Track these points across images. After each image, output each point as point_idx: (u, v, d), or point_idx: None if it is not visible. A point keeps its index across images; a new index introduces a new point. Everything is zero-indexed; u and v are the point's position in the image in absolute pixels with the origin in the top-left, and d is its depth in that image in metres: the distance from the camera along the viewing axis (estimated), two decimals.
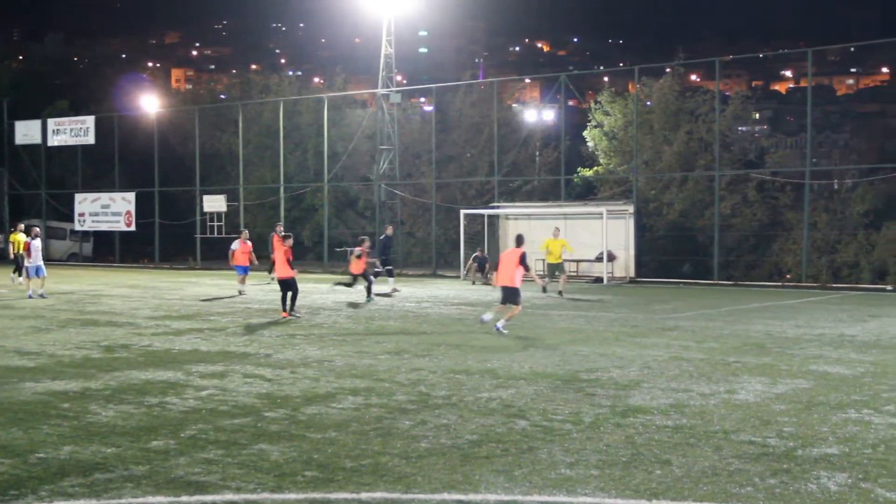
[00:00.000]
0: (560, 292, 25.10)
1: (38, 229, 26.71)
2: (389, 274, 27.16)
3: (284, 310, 19.88)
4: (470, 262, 31.64)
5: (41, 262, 25.04)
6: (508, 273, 16.89)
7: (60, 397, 10.88)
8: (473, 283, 30.57)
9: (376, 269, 26.99)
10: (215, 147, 46.99)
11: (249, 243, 27.56)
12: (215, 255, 43.78)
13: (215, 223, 41.39)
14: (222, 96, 56.95)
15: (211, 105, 50.74)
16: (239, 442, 8.65)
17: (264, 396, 10.89)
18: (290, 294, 19.93)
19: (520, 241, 17.53)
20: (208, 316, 20.33)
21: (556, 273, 26.33)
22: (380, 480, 7.37)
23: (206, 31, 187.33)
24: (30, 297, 24.71)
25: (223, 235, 41.34)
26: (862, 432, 9.00)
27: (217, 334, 16.97)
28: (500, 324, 16.69)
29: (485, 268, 31.49)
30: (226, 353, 14.64)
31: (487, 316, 17.48)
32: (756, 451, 8.26)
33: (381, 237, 28.92)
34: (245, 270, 26.96)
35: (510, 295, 17.02)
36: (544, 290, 25.54)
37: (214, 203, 41.41)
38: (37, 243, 25.13)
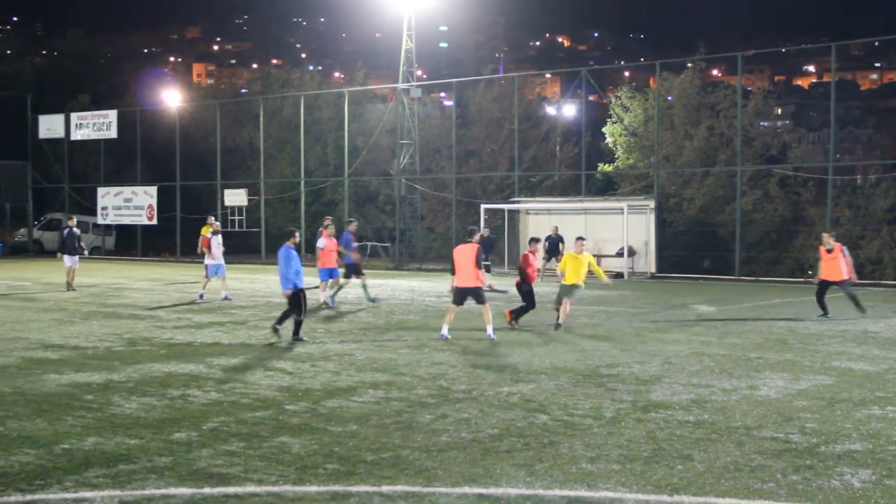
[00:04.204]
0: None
1: (218, 225, 23.61)
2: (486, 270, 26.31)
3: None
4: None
5: (222, 261, 22.21)
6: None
7: (84, 389, 10.97)
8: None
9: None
10: (236, 141, 47.23)
11: (334, 239, 21.27)
12: (236, 249, 43.96)
13: (236, 217, 41.59)
14: (243, 91, 57.22)
15: (232, 99, 50.98)
16: (260, 434, 8.70)
17: (285, 390, 10.93)
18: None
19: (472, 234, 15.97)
20: (229, 309, 20.41)
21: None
22: (400, 474, 7.39)
23: (227, 25, 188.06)
24: (200, 297, 22.05)
25: (244, 229, 41.54)
26: (886, 429, 8.94)
27: (238, 328, 17.05)
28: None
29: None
30: (247, 346, 14.71)
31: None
32: (778, 447, 8.23)
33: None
34: (331, 274, 21.13)
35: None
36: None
37: (235, 197, 41.62)
38: (217, 239, 22.22)
